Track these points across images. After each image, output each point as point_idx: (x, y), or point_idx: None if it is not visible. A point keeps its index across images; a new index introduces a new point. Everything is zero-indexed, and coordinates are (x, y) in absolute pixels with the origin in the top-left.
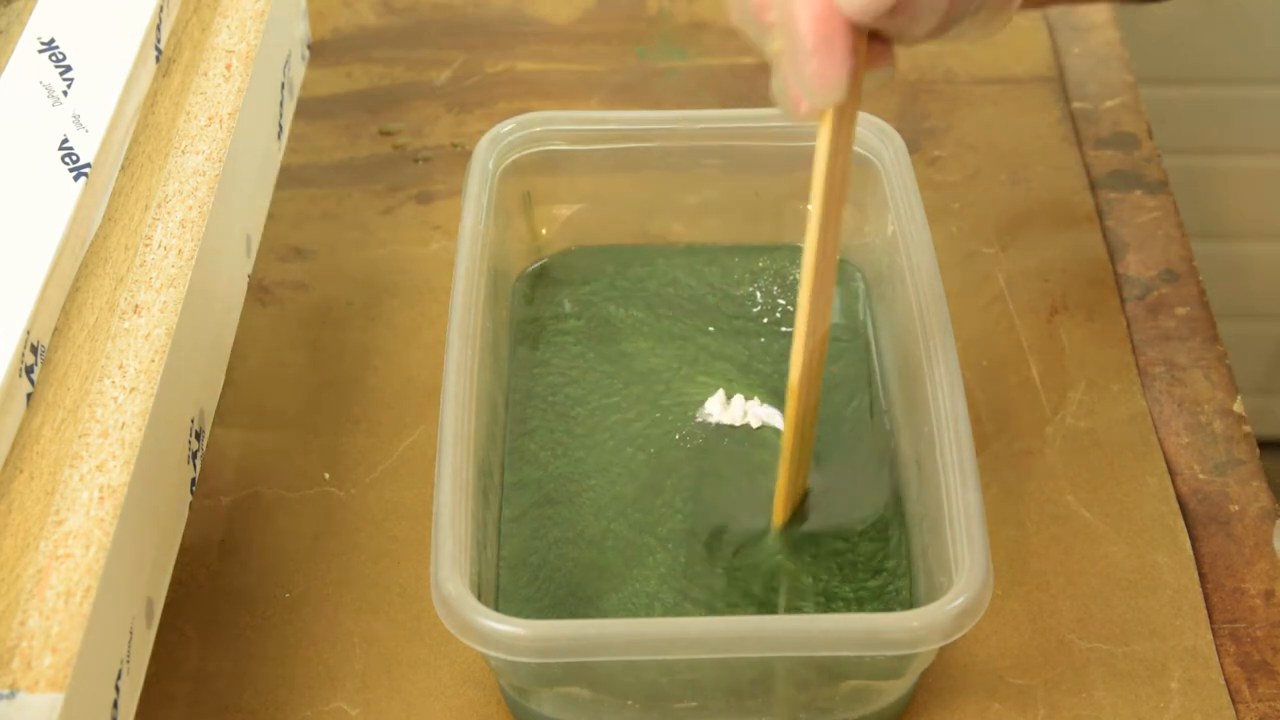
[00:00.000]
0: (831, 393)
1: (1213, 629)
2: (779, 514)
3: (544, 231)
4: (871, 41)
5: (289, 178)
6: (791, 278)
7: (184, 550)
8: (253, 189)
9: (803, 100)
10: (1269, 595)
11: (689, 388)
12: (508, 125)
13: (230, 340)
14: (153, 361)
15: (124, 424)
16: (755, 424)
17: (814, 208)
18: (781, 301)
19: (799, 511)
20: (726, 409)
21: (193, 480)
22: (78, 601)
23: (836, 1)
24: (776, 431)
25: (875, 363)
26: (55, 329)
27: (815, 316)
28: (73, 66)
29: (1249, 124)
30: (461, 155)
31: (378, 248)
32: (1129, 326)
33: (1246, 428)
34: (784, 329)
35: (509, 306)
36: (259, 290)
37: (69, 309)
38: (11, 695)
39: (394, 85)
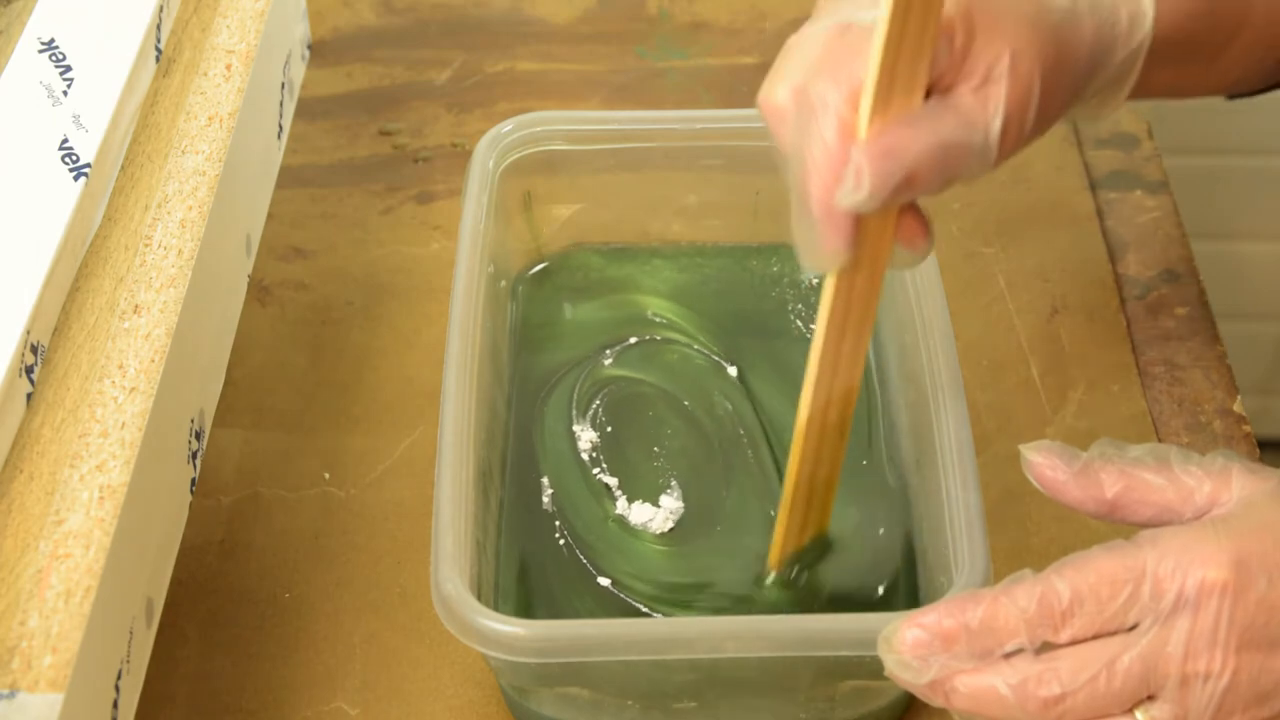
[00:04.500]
0: None
1: None
2: (774, 555)
3: (544, 231)
4: (906, 215)
5: (289, 178)
6: (805, 284)
7: (184, 550)
8: (253, 189)
9: (804, 256)
10: None
11: (688, 386)
12: (508, 125)
13: (230, 340)
14: (153, 361)
15: (124, 424)
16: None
17: (815, 342)
18: (804, 312)
19: (800, 558)
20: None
21: (193, 480)
22: (78, 601)
23: (835, 196)
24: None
25: (875, 363)
26: (55, 329)
27: (819, 391)
28: (73, 66)
29: (1249, 124)
30: (461, 155)
31: (378, 248)
32: (1129, 326)
33: (1246, 428)
34: (790, 331)
35: (509, 306)
36: (259, 290)
37: (69, 309)
38: (11, 695)
39: (394, 85)
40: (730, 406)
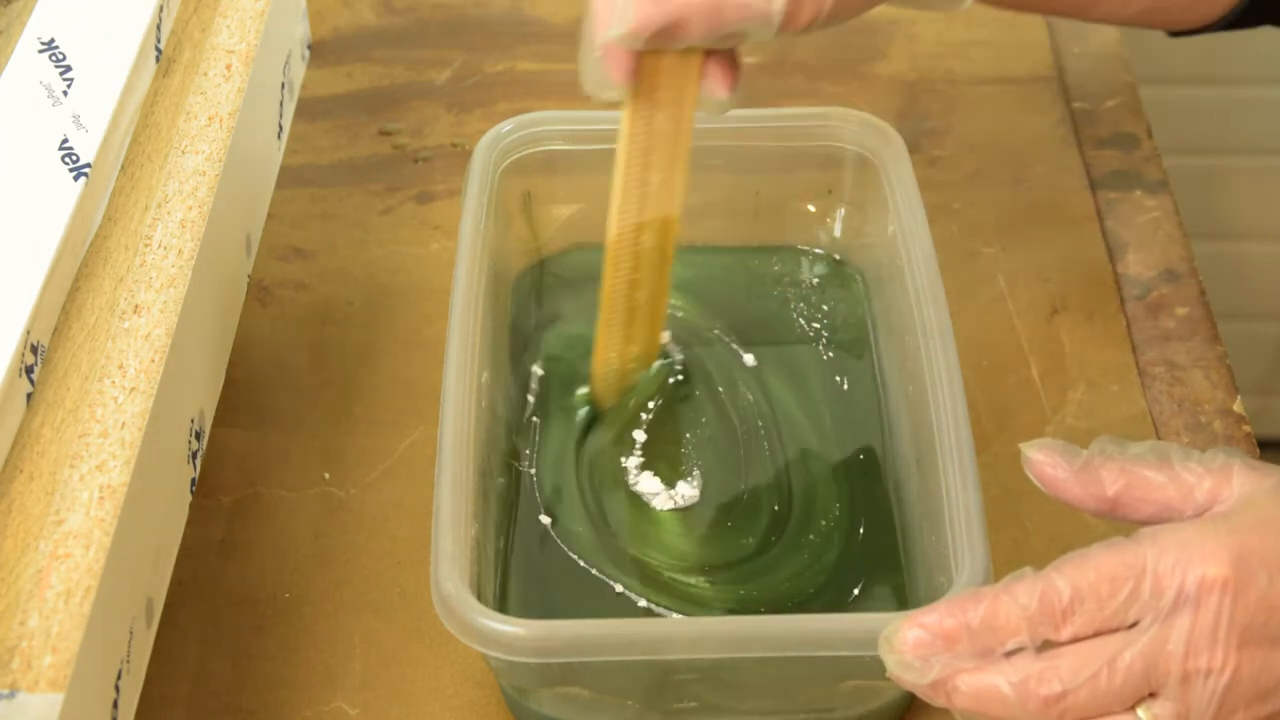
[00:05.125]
0: (831, 391)
1: None
2: (594, 369)
3: (544, 231)
4: (712, 60)
5: (289, 178)
6: (806, 284)
7: (184, 550)
8: (253, 189)
9: (585, 82)
10: None
11: (716, 372)
12: (508, 125)
13: (230, 340)
14: (153, 361)
15: (124, 424)
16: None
17: (617, 167)
18: (806, 312)
19: (628, 384)
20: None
21: (193, 480)
22: (78, 601)
23: (601, 28)
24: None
25: (875, 363)
26: (55, 329)
27: (625, 213)
28: (73, 66)
29: (1249, 124)
30: (461, 155)
31: (378, 248)
32: (1129, 326)
33: (1246, 428)
34: (795, 331)
35: (509, 306)
36: (259, 290)
37: (69, 309)
38: (11, 695)
39: (394, 85)
40: (751, 397)
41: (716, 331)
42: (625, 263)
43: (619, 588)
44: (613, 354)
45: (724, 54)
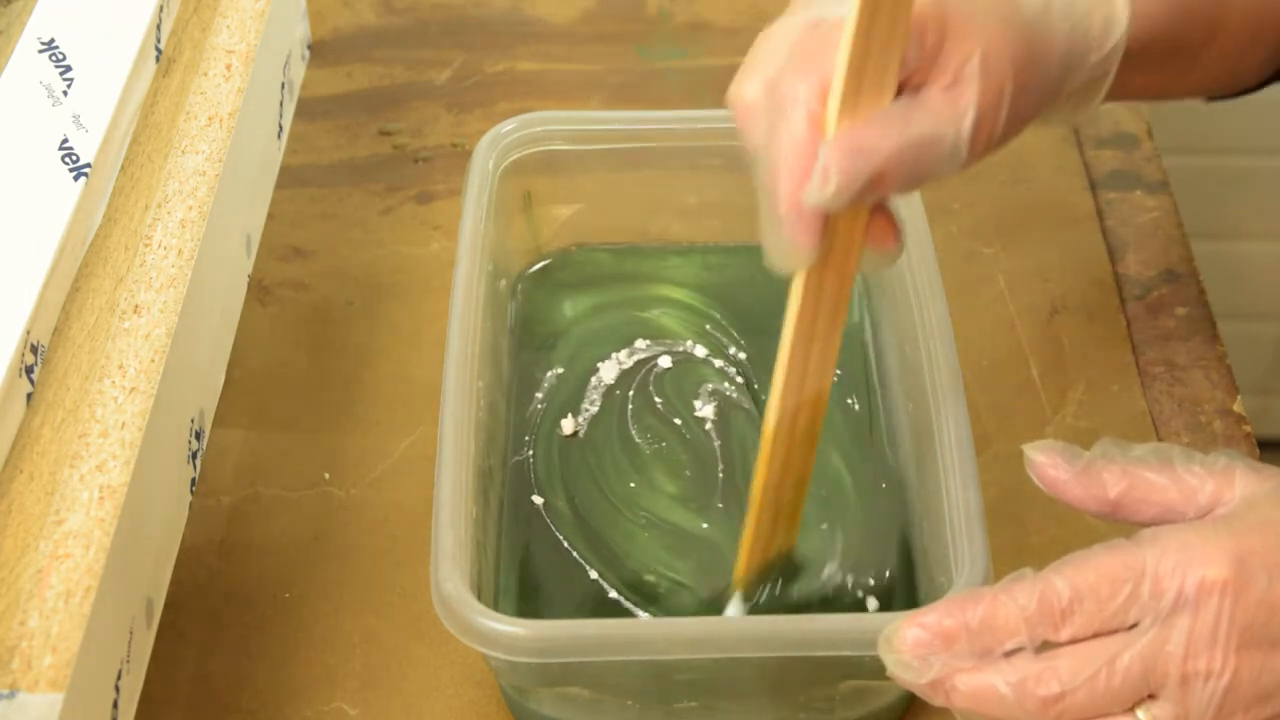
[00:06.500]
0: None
1: None
2: (740, 570)
3: (544, 231)
4: (877, 216)
5: (289, 178)
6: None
7: (184, 550)
8: (253, 189)
9: (772, 256)
10: None
11: (688, 385)
12: (508, 125)
13: (230, 340)
14: (153, 361)
15: (124, 424)
16: None
17: (783, 345)
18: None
19: (771, 571)
20: None
21: (193, 480)
22: (78, 601)
23: (803, 194)
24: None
25: (874, 363)
26: (55, 329)
27: (788, 396)
28: (73, 66)
29: (1249, 124)
30: (461, 155)
31: (378, 248)
32: (1129, 326)
33: (1246, 428)
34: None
35: (509, 306)
36: (259, 290)
37: (69, 309)
38: (11, 695)
39: (394, 85)
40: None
41: (720, 322)
42: (780, 452)
43: (593, 574)
44: (758, 553)
45: (884, 205)
